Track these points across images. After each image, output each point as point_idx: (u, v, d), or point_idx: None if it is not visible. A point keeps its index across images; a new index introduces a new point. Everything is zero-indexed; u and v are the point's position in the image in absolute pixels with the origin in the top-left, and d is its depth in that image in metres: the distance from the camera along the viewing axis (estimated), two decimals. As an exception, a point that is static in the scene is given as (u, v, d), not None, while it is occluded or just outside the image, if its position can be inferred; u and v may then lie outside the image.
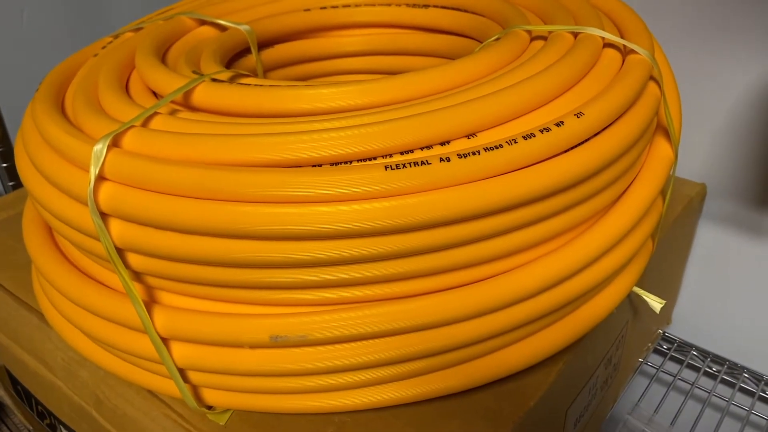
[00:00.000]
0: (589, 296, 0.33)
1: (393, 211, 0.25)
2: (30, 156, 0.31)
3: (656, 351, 0.57)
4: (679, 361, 0.55)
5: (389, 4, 0.46)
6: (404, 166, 0.25)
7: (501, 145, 0.26)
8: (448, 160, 0.25)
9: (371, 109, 0.29)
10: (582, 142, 0.28)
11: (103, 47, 0.41)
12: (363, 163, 0.26)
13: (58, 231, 0.31)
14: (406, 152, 0.27)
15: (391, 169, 0.25)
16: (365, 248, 0.26)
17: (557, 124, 0.27)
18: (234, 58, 0.44)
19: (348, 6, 0.46)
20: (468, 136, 0.27)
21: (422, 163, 0.25)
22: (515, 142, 0.26)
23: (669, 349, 0.56)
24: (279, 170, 0.26)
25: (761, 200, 0.51)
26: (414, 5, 0.45)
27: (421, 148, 0.27)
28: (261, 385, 0.30)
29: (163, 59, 0.38)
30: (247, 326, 0.28)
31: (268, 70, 0.47)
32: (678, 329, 0.59)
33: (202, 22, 0.43)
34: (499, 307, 0.28)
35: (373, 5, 0.46)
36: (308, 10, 0.46)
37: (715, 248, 0.55)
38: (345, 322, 0.27)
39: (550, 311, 0.30)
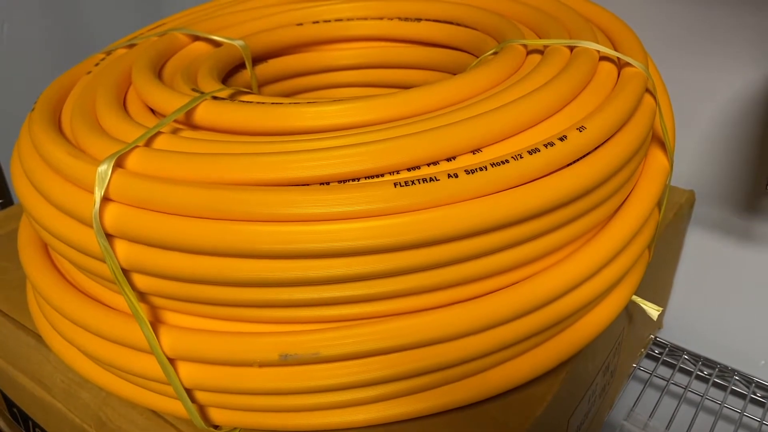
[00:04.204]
0: (591, 306, 0.34)
1: (403, 227, 0.25)
2: (30, 177, 0.31)
3: (648, 356, 0.57)
4: (671, 366, 0.56)
5: (381, 18, 0.46)
6: (413, 182, 0.25)
7: (507, 161, 0.26)
8: (456, 176, 0.26)
9: (375, 126, 0.29)
10: (584, 156, 0.29)
11: (96, 64, 0.40)
12: (371, 180, 0.26)
13: (61, 253, 0.31)
14: (413, 168, 0.27)
15: (401, 186, 0.25)
16: (375, 265, 0.26)
17: (560, 139, 0.28)
18: (228, 73, 0.44)
19: (340, 20, 0.46)
20: (473, 152, 0.28)
21: (431, 179, 0.25)
22: (521, 158, 0.27)
23: (661, 353, 0.57)
24: (287, 189, 0.26)
25: (748, 205, 0.52)
26: (406, 19, 0.45)
27: (428, 164, 0.27)
28: (269, 403, 0.30)
29: (158, 75, 0.38)
30: (256, 345, 0.28)
31: (262, 85, 0.47)
32: (669, 334, 0.59)
33: (196, 38, 0.43)
34: (507, 320, 0.29)
35: (366, 19, 0.46)
36: (301, 24, 0.46)
37: (703, 253, 0.56)
38: (356, 338, 0.27)
39: (555, 323, 0.30)
